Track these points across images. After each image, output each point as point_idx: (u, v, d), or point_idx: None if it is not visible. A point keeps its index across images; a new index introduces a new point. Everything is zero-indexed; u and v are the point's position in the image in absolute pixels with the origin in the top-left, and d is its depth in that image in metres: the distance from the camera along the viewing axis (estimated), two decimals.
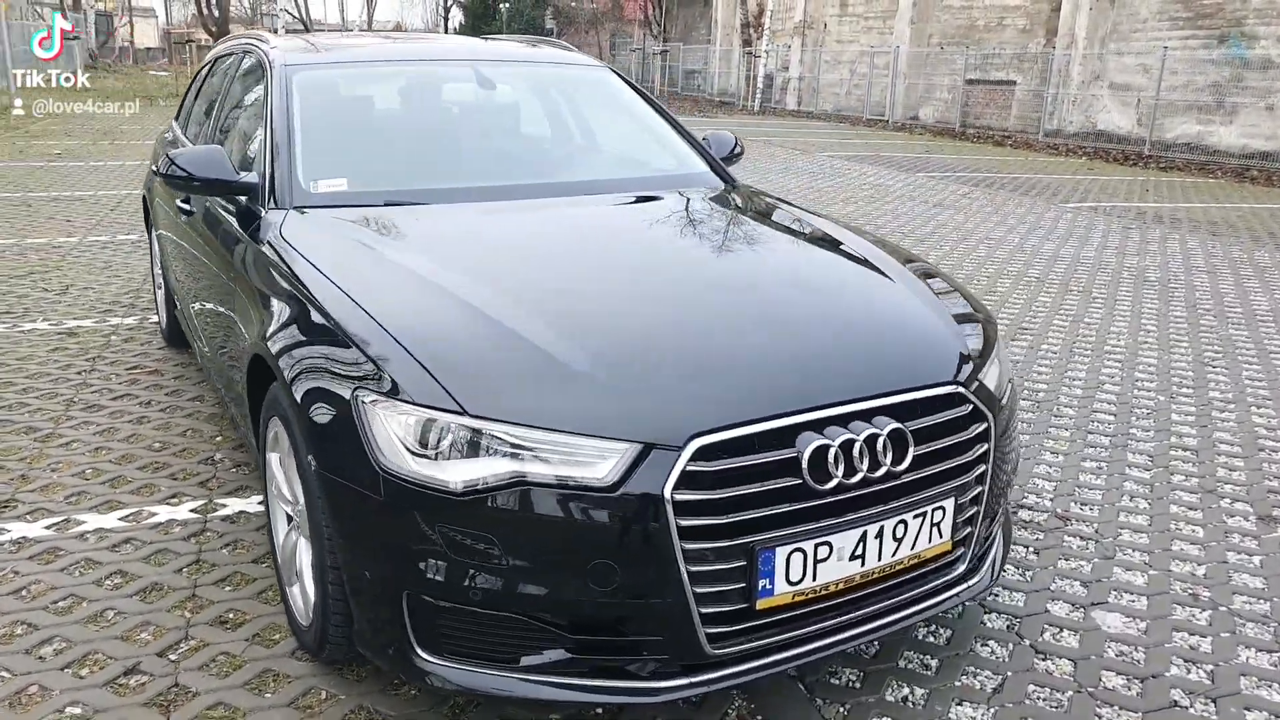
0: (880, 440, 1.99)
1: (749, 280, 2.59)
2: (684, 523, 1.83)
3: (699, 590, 1.87)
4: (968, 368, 2.26)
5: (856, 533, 1.99)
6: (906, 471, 2.04)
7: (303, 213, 2.74)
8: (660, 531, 1.82)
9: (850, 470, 1.96)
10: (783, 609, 1.96)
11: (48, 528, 2.97)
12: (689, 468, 1.84)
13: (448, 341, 2.09)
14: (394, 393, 1.93)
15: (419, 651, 1.95)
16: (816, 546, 1.95)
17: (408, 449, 1.88)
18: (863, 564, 2.02)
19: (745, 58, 29.36)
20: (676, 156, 3.55)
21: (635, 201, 3.13)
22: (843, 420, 1.99)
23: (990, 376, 2.33)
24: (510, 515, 1.84)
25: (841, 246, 2.86)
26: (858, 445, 1.96)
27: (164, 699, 2.22)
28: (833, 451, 1.94)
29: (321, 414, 2.04)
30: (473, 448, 1.85)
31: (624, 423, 1.87)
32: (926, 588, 2.19)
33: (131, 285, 5.84)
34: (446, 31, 65.47)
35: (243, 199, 2.92)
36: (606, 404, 1.91)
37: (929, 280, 2.72)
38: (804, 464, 1.91)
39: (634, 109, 3.71)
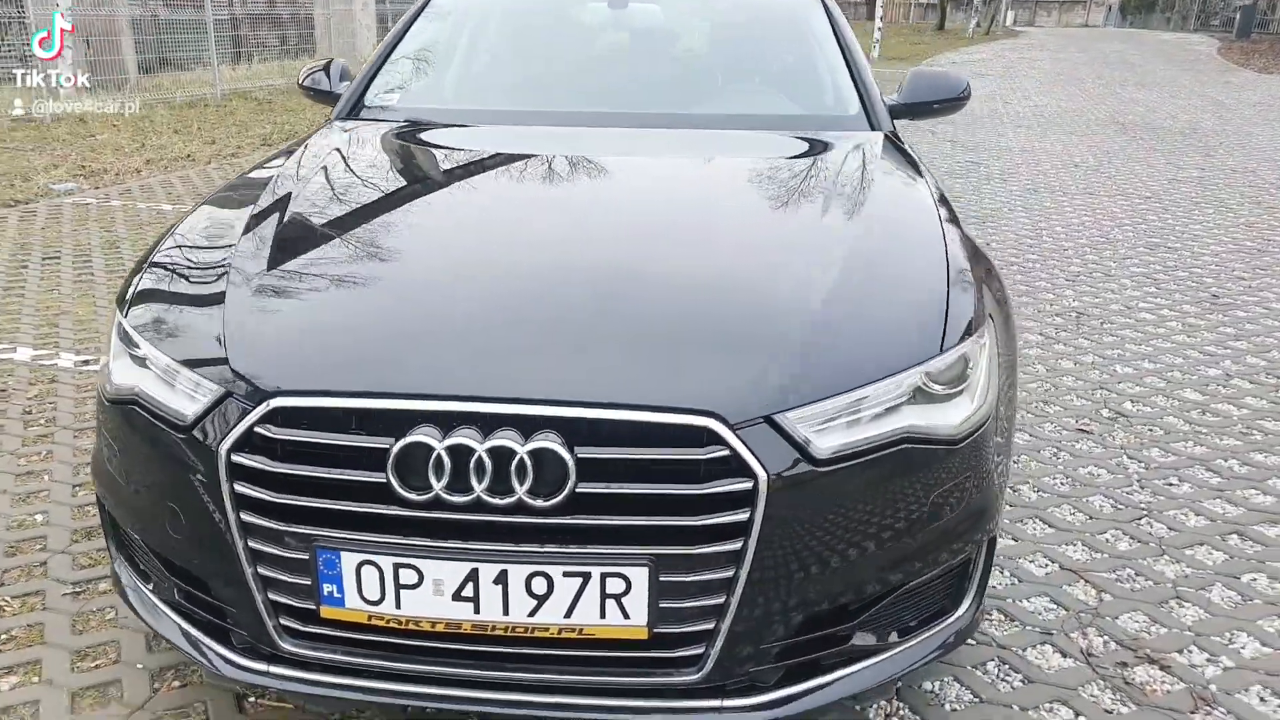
0: (516, 459, 1.49)
1: (636, 249, 2.04)
2: (241, 489, 1.58)
3: (262, 572, 1.61)
4: (755, 399, 1.55)
5: (462, 567, 1.53)
6: (556, 512, 1.50)
7: (343, 127, 2.81)
8: (216, 491, 1.60)
9: (461, 486, 1.50)
10: (361, 628, 1.60)
11: None
12: (260, 429, 1.57)
13: (190, 254, 2.04)
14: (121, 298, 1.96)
15: (114, 553, 1.98)
16: (398, 567, 1.54)
17: (124, 348, 1.88)
18: (477, 611, 1.55)
19: None
20: (824, 97, 2.91)
21: (686, 138, 2.67)
22: (487, 423, 1.53)
23: (824, 431, 1.57)
24: (124, 430, 1.77)
25: (841, 235, 2.05)
26: (477, 456, 1.49)
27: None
28: (436, 455, 1.50)
29: None
30: (138, 358, 1.80)
31: (234, 365, 1.66)
32: (606, 683, 1.60)
33: None
34: None
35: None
36: (247, 345, 1.70)
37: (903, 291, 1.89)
38: (390, 461, 1.52)
39: (815, 42, 3.07)
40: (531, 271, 1.90)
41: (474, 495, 1.50)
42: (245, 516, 1.58)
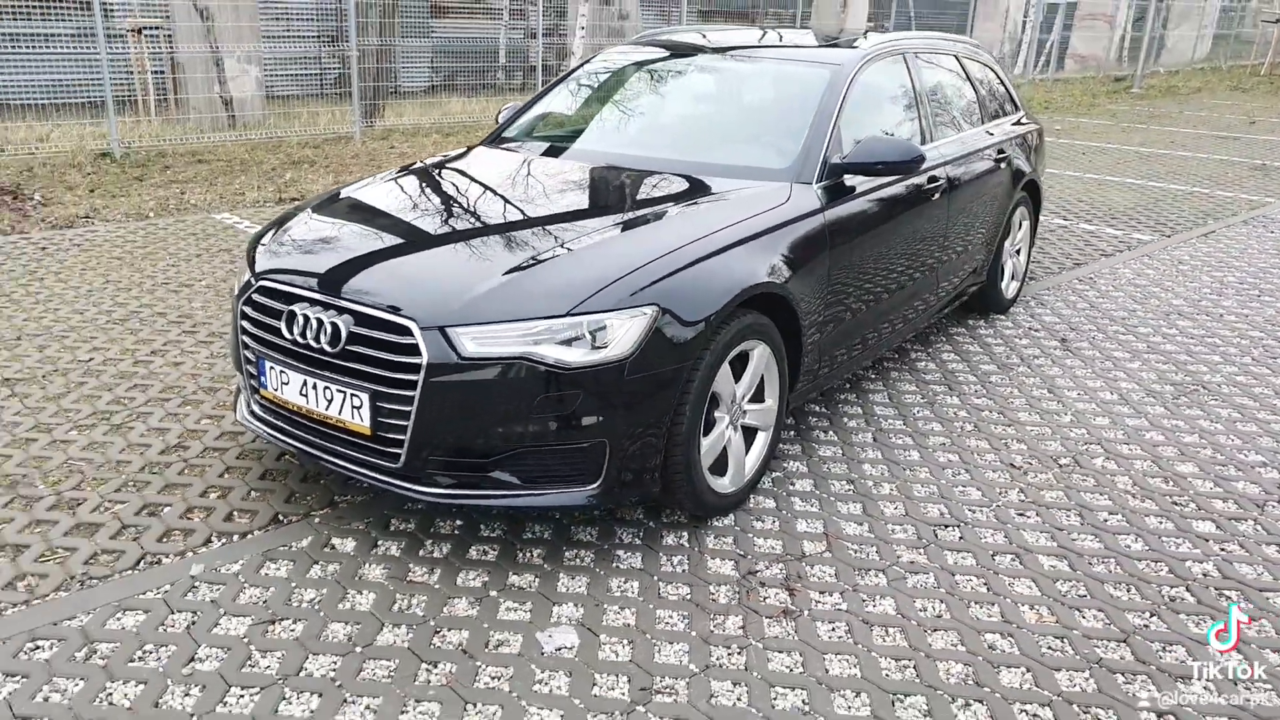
0: (325, 328, 2.90)
1: (476, 226, 3.36)
2: (243, 324, 3.19)
3: (247, 368, 3.21)
4: (439, 316, 2.75)
5: (301, 376, 2.98)
6: (335, 357, 2.88)
7: (483, 147, 4.36)
8: (237, 325, 3.23)
9: (302, 336, 2.95)
10: (274, 402, 3.12)
11: None
12: (253, 293, 3.17)
13: (296, 211, 3.67)
14: None
15: None
16: (282, 372, 3.03)
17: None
18: (308, 402, 2.99)
19: None
20: (766, 154, 3.77)
21: (630, 177, 3.76)
22: (322, 305, 2.95)
23: (474, 341, 2.73)
24: (231, 296, 3.46)
25: (614, 235, 3.15)
26: (312, 323, 2.93)
27: None
28: (295, 319, 2.96)
29: None
30: None
31: (255, 265, 3.26)
32: (357, 456, 2.93)
33: None
34: None
35: None
36: (264, 255, 3.29)
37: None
38: (283, 317, 3.01)
39: (800, 109, 3.87)
40: (404, 233, 3.29)
41: (305, 341, 2.93)
42: (243, 338, 3.19)
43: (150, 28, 11.77)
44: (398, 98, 13.57)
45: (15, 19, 11.61)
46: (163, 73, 11.86)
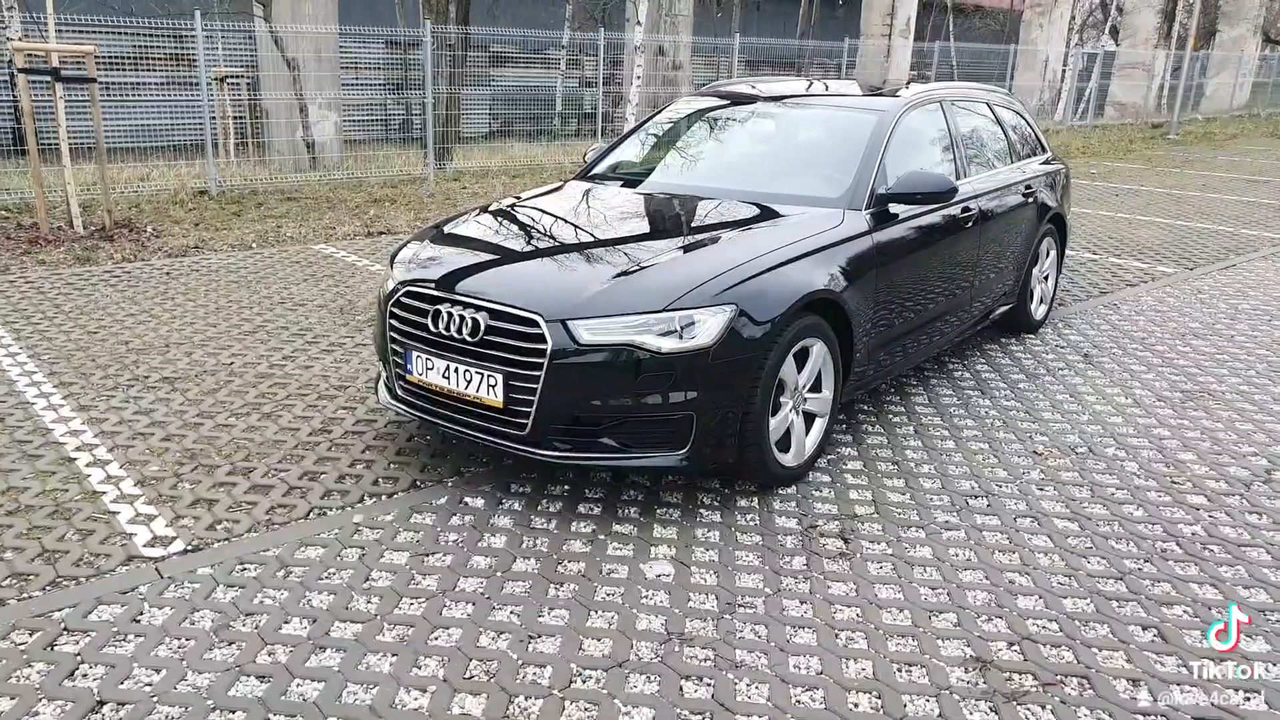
0: (467, 322, 3.60)
1: (585, 243, 4.05)
2: (392, 323, 3.90)
3: (396, 359, 3.91)
4: (560, 311, 3.42)
5: (444, 362, 3.67)
6: (474, 345, 3.58)
7: (574, 182, 5.08)
8: (384, 324, 3.93)
9: (446, 329, 3.65)
10: (418, 385, 3.82)
11: None
12: (401, 296, 3.88)
13: (430, 230, 4.39)
14: None
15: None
16: (428, 359, 3.73)
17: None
18: (450, 383, 3.67)
19: None
20: (822, 185, 4.43)
21: (706, 204, 4.43)
22: (463, 304, 3.65)
23: (588, 331, 3.40)
24: (378, 299, 4.18)
25: (689, 251, 3.83)
26: (454, 319, 3.63)
27: None
28: (440, 316, 3.66)
29: None
30: None
31: (397, 276, 3.97)
32: (490, 427, 3.61)
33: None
34: None
35: None
36: (404, 266, 4.00)
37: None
38: (428, 316, 3.72)
39: (854, 146, 4.55)
40: (524, 248, 4.00)
41: (450, 333, 3.63)
42: (391, 334, 3.90)
43: (234, 77, 12.80)
44: (459, 143, 14.48)
45: (112, 70, 12.66)
46: (243, 118, 12.86)
